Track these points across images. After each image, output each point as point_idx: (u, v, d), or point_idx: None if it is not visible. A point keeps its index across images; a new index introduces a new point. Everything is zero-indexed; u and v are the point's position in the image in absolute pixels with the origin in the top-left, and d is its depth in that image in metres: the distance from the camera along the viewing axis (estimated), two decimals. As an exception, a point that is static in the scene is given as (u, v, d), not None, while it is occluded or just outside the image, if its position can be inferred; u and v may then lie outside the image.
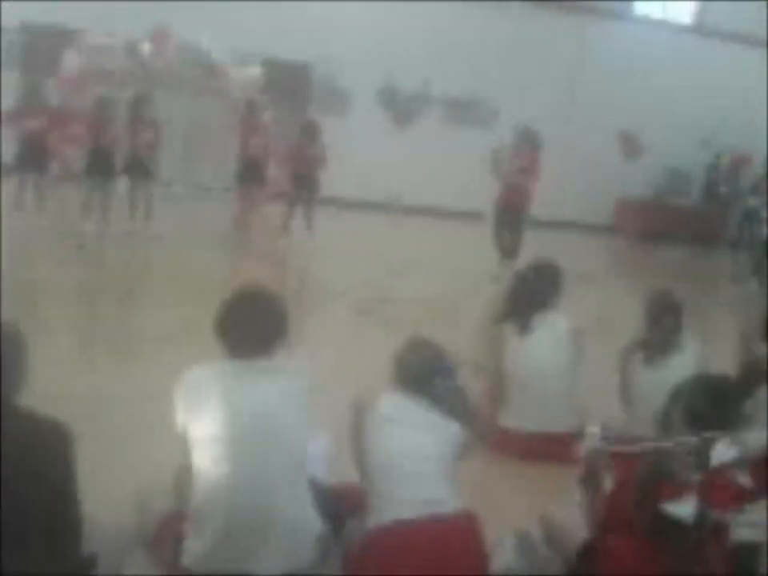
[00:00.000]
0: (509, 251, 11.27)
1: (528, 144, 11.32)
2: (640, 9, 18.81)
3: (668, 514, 2.89)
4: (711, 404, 3.30)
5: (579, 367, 5.43)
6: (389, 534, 3.38)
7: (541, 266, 5.64)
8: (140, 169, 11.42)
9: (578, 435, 5.06)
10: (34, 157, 11.45)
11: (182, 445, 3.37)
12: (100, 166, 11.19)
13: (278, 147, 12.89)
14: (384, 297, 10.03)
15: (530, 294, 5.43)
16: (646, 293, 5.46)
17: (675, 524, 2.89)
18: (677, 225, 18.20)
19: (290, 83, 16.17)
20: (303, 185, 11.78)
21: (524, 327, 5.36)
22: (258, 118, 12.38)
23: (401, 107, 17.39)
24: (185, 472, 3.40)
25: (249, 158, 12.02)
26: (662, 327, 5.16)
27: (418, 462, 3.51)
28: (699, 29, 18.92)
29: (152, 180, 11.58)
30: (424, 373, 3.68)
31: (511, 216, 11.27)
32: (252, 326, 3.45)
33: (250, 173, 12.04)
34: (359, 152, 15.35)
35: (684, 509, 2.87)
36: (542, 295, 5.45)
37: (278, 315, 3.54)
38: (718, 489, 2.94)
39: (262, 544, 3.30)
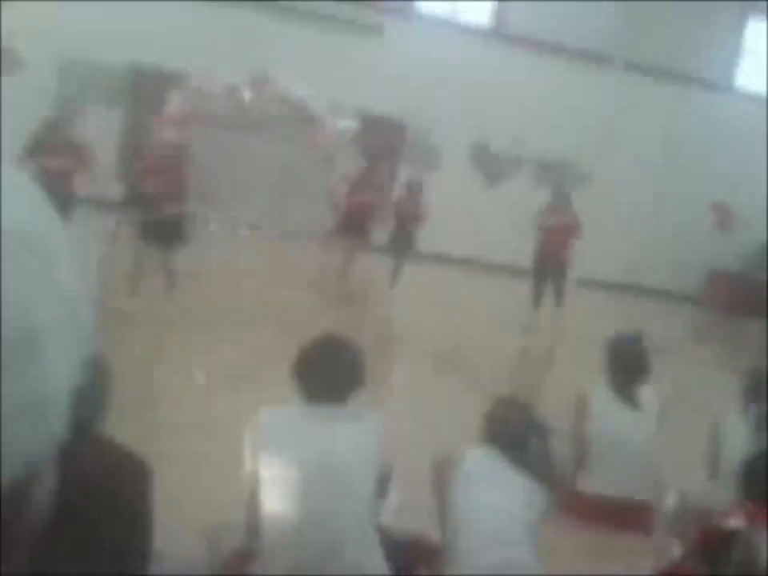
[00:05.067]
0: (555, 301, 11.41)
1: (561, 202, 11.62)
2: (740, 82, 18.63)
3: None
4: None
5: (660, 437, 5.32)
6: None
7: (637, 338, 5.55)
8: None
9: (655, 505, 4.99)
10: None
11: (252, 482, 3.40)
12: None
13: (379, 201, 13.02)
14: (462, 350, 10.05)
15: (635, 367, 5.34)
16: (742, 369, 5.36)
17: None
18: (765, 300, 17.78)
19: (383, 137, 16.36)
20: (401, 241, 11.83)
21: (629, 400, 5.25)
22: (375, 175, 12.26)
23: (491, 166, 17.46)
24: (253, 509, 3.42)
25: (353, 211, 11.83)
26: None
27: (502, 522, 3.48)
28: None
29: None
30: (520, 433, 3.65)
31: (552, 268, 11.48)
32: (328, 372, 3.47)
33: (353, 224, 11.84)
34: (447, 208, 15.41)
35: None
36: (644, 368, 5.37)
37: (354, 363, 3.56)
38: None
39: (329, 588, 3.28)
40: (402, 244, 11.89)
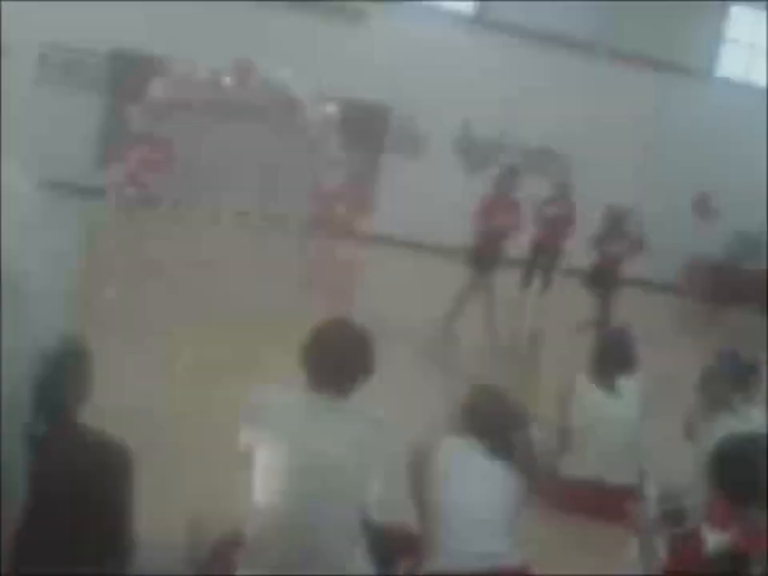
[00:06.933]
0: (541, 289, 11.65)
1: (561, 195, 11.87)
2: (722, 70, 18.68)
3: None
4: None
5: (642, 423, 5.40)
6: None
7: (625, 330, 5.66)
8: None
9: (635, 491, 5.03)
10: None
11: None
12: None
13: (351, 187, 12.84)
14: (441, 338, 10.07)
15: (622, 359, 5.44)
16: (715, 352, 5.41)
17: None
18: (746, 289, 17.87)
19: (366, 123, 16.33)
20: (605, 279, 11.35)
21: (610, 389, 5.35)
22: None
23: (475, 153, 17.45)
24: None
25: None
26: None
27: (480, 511, 3.49)
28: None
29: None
30: (500, 424, 3.64)
31: (546, 256, 11.71)
32: (338, 361, 3.33)
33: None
34: (429, 195, 15.39)
35: None
36: (631, 360, 5.46)
37: (366, 353, 3.40)
38: None
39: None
40: (606, 282, 11.24)
